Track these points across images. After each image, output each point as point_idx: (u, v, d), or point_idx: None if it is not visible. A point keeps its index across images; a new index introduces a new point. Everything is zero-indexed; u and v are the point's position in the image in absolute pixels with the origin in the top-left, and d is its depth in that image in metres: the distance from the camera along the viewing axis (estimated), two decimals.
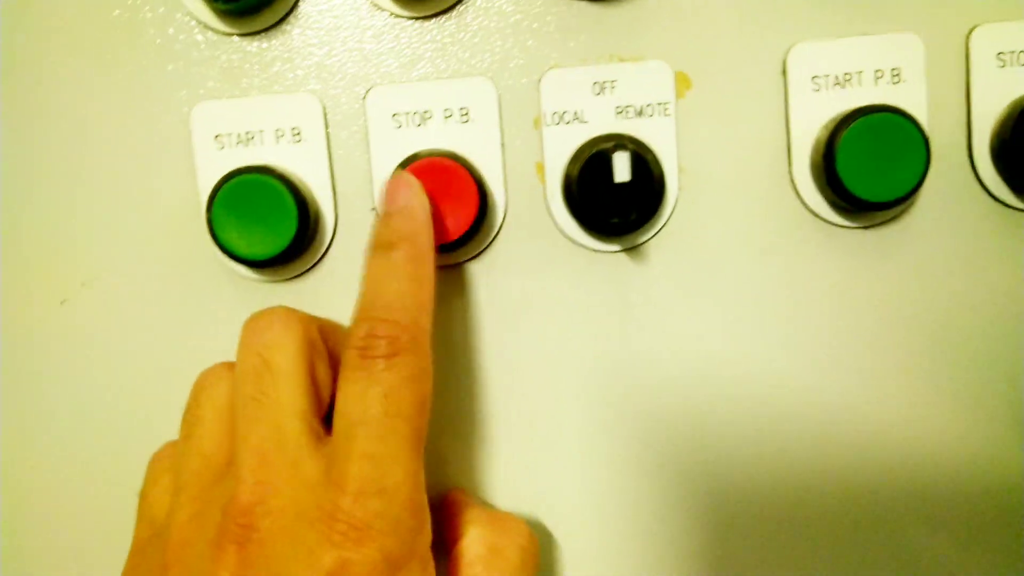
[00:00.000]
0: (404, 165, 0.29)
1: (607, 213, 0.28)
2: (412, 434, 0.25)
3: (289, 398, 0.25)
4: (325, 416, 0.26)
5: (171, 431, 0.32)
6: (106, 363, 0.32)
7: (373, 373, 0.24)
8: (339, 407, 0.25)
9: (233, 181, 0.29)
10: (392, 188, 0.28)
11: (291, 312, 0.27)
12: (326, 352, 0.27)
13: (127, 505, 0.31)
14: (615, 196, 0.28)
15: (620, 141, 0.28)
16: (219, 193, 0.29)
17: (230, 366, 0.27)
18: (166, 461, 0.28)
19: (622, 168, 0.28)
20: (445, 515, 0.29)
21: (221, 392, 0.27)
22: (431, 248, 0.27)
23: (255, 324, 0.27)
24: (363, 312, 0.26)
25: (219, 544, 0.23)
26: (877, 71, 0.30)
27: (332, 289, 0.31)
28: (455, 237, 0.29)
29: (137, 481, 0.32)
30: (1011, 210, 0.31)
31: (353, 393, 0.24)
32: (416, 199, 0.28)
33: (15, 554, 0.33)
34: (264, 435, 0.25)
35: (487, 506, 0.31)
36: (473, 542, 0.28)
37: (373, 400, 0.24)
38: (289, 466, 0.24)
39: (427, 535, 0.25)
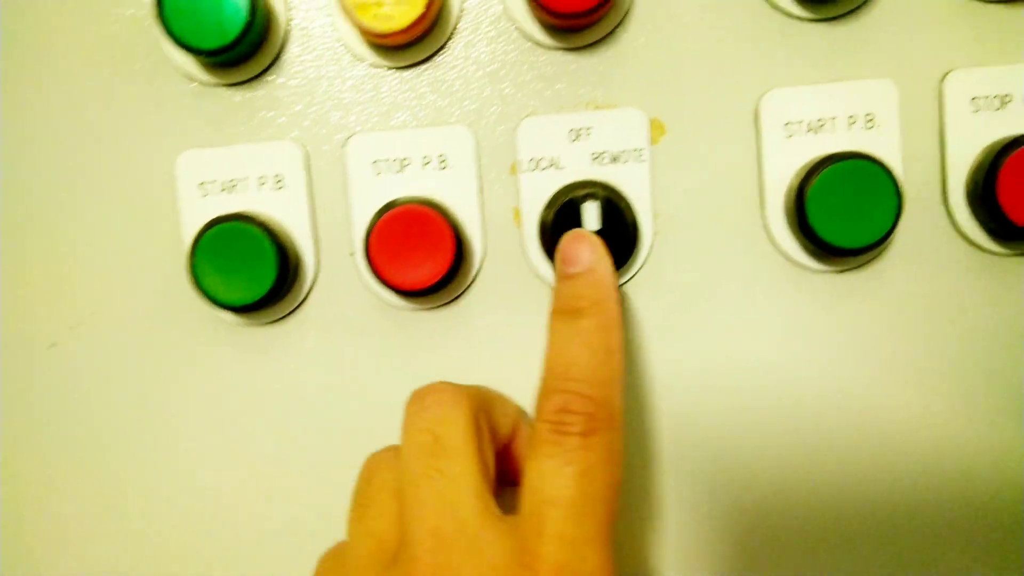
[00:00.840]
0: (382, 212, 0.30)
1: None
2: (606, 518, 0.23)
3: (464, 475, 0.24)
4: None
5: (158, 472, 0.32)
6: (95, 405, 0.33)
7: (569, 450, 0.23)
8: (529, 483, 0.23)
9: (214, 229, 0.30)
10: (572, 247, 0.27)
11: (457, 388, 0.26)
12: (488, 428, 0.26)
13: (118, 547, 0.32)
14: None
15: (592, 190, 0.29)
16: (200, 241, 0.30)
17: (399, 449, 0.26)
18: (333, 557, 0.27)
19: (592, 217, 0.28)
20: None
21: (391, 475, 0.26)
22: (620, 315, 0.26)
23: (421, 400, 0.26)
24: (554, 383, 0.25)
25: None
26: (850, 117, 0.30)
27: (313, 333, 0.32)
28: (431, 283, 0.30)
29: (128, 523, 0.33)
30: (987, 254, 0.31)
31: (547, 470, 0.23)
32: (601, 261, 0.27)
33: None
34: (440, 513, 0.23)
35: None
36: None
37: (569, 479, 0.23)
38: (469, 546, 0.23)
39: None
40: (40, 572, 0.33)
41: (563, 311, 0.26)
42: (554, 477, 0.23)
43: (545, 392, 0.25)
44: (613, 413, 0.24)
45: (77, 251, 0.32)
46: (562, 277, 0.27)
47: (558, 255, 0.28)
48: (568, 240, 0.28)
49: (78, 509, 0.33)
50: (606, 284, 0.27)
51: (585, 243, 0.27)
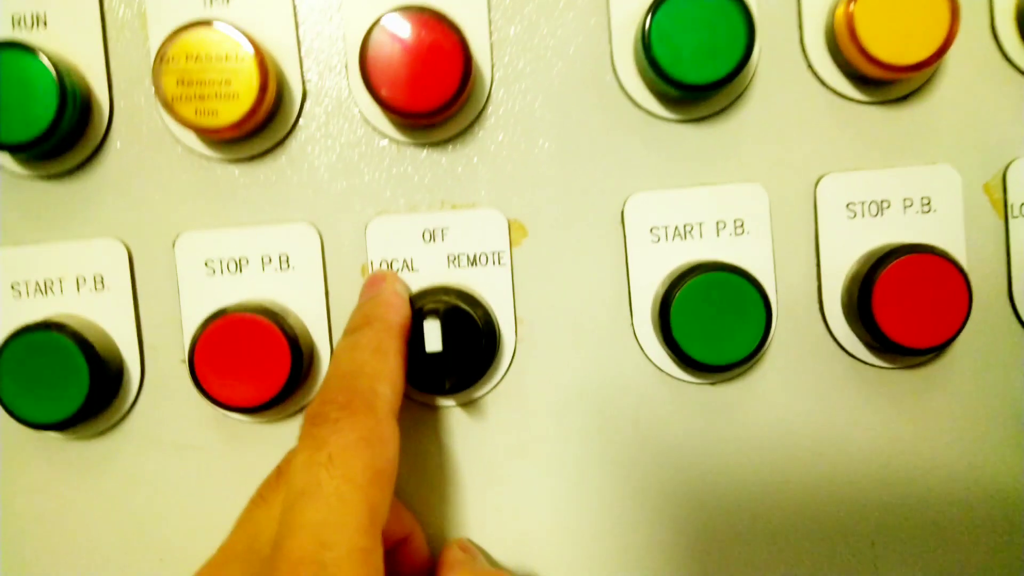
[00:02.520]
0: (208, 322, 0.27)
1: (422, 380, 0.26)
2: (362, 504, 0.22)
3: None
4: None
5: None
6: None
7: (320, 438, 0.22)
8: (287, 481, 0.22)
9: (16, 340, 0.26)
10: (366, 287, 0.28)
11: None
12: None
13: None
14: (429, 364, 0.26)
15: (435, 304, 0.26)
16: (3, 354, 0.26)
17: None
18: None
19: (433, 338, 0.26)
20: (439, 574, 0.27)
21: None
22: (402, 325, 0.26)
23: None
24: (322, 388, 0.24)
25: None
26: (720, 222, 0.29)
27: (139, 447, 0.29)
28: (265, 400, 0.27)
29: None
30: (867, 366, 0.29)
31: (300, 462, 0.22)
32: (388, 285, 0.28)
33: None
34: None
35: (485, 560, 0.29)
36: None
37: (319, 466, 0.22)
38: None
39: None
40: None
41: (345, 332, 0.26)
42: (306, 467, 0.22)
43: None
44: (374, 401, 0.23)
45: None
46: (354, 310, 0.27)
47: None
48: (373, 275, 0.29)
49: None
50: (389, 301, 0.27)
51: (374, 280, 0.28)
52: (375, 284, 0.28)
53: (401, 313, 0.27)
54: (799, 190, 0.29)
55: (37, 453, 0.29)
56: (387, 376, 0.25)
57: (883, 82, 0.28)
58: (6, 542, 0.29)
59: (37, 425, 0.27)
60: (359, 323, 0.26)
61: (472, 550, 0.29)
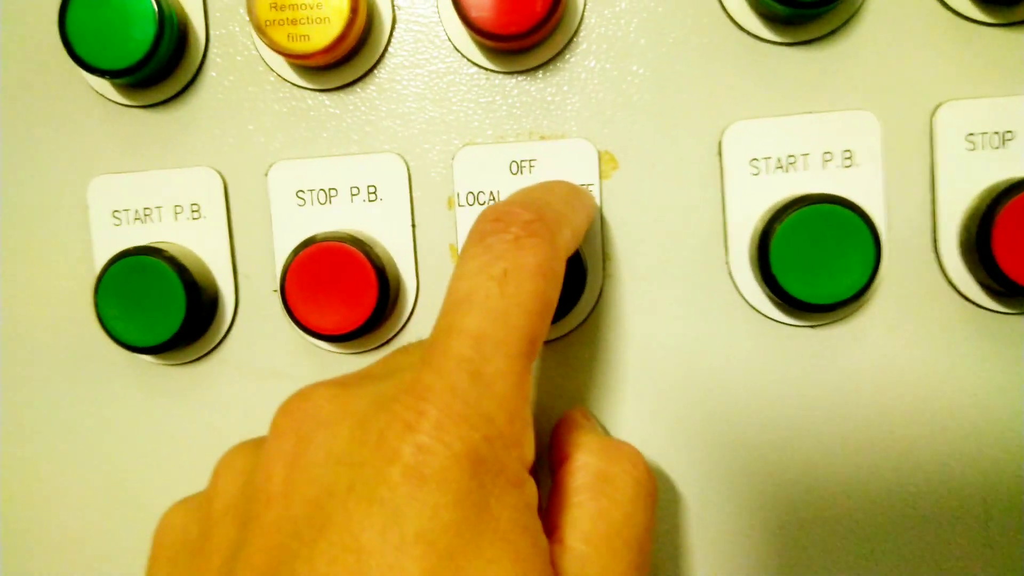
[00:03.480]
0: (299, 250, 0.27)
1: None
2: (526, 331, 0.20)
3: None
4: None
5: (72, 518, 0.30)
6: (6, 442, 0.30)
7: (497, 250, 0.21)
8: (450, 286, 0.21)
9: (117, 264, 0.27)
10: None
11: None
12: None
13: None
14: None
15: None
16: (104, 277, 0.27)
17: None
18: None
19: None
20: (557, 434, 0.25)
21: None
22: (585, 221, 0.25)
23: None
24: (497, 206, 0.22)
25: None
26: (826, 153, 0.27)
27: (232, 375, 0.29)
28: (353, 328, 0.27)
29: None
30: (982, 311, 0.27)
31: (469, 270, 0.21)
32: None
33: None
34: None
35: (603, 431, 0.28)
36: (580, 468, 0.23)
37: (491, 278, 0.20)
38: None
39: (526, 454, 0.20)
40: None
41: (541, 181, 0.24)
42: (474, 276, 0.20)
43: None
44: (557, 233, 0.22)
45: None
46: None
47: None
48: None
49: None
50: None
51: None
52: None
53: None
54: (915, 119, 0.27)
55: (132, 378, 0.30)
56: (573, 226, 0.23)
57: (1010, 1, 0.26)
58: (102, 464, 0.30)
59: (135, 348, 0.28)
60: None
61: (592, 419, 0.27)
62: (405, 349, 0.25)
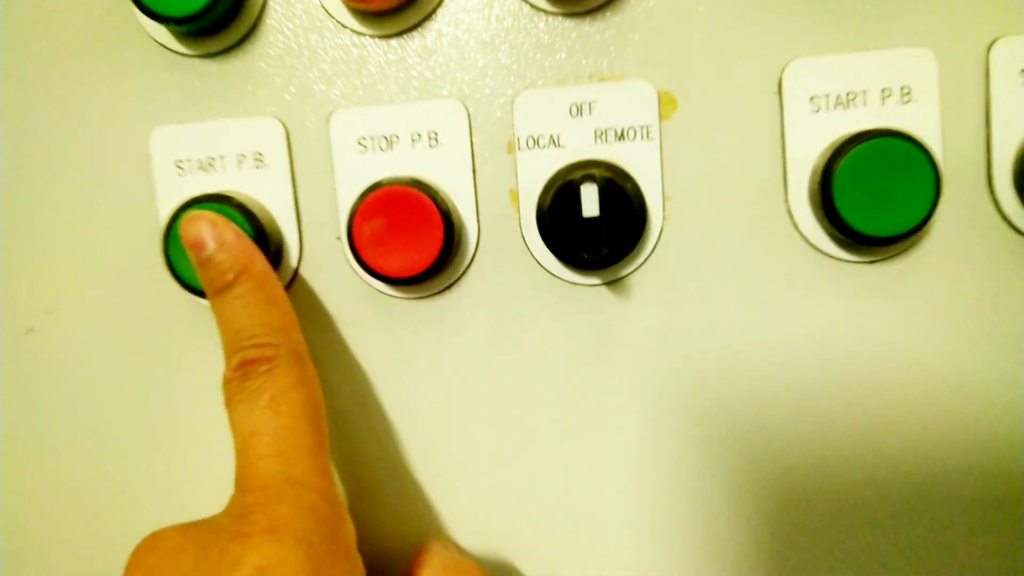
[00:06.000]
0: (365, 194, 0.27)
1: (577, 248, 0.26)
2: (312, 432, 0.24)
3: None
4: None
5: (136, 456, 0.31)
6: (73, 390, 0.31)
7: (256, 388, 0.24)
8: (234, 437, 0.24)
9: (184, 212, 0.28)
10: (190, 233, 0.26)
11: None
12: None
13: (97, 529, 0.31)
14: (585, 231, 0.26)
15: (590, 172, 0.26)
16: (173, 224, 0.28)
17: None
18: None
19: (590, 202, 0.26)
20: (412, 562, 0.28)
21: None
22: (269, 268, 0.27)
23: None
24: (230, 349, 0.25)
25: None
26: (884, 90, 0.27)
27: (299, 315, 0.30)
28: (420, 271, 0.27)
29: (104, 508, 0.31)
30: None
31: (242, 412, 0.24)
32: (224, 229, 0.27)
33: None
34: None
35: (456, 553, 0.29)
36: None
37: (263, 409, 0.24)
38: None
39: (349, 531, 0.24)
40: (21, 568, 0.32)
41: (216, 291, 0.26)
42: (249, 415, 0.24)
43: (226, 361, 0.25)
44: (291, 348, 0.25)
45: (51, 233, 0.30)
46: (199, 264, 0.27)
47: (184, 243, 0.27)
48: (184, 227, 0.27)
49: (56, 500, 0.31)
50: (240, 250, 0.26)
51: (199, 223, 0.27)
52: (203, 231, 0.27)
53: (261, 257, 0.27)
54: (971, 55, 0.27)
55: (197, 323, 0.30)
56: (292, 323, 0.26)
57: None
58: (165, 404, 0.31)
59: (202, 293, 0.28)
60: (227, 280, 0.26)
61: (451, 547, 0.30)
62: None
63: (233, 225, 0.27)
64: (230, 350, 0.25)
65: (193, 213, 0.27)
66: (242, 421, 0.24)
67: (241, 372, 0.24)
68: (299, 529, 0.22)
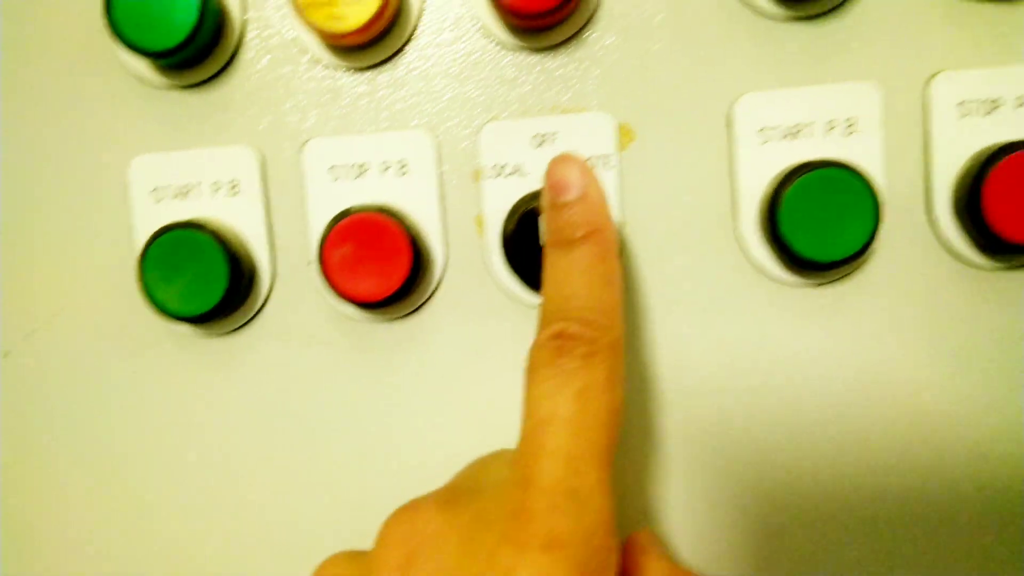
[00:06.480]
0: (335, 221, 0.28)
1: (538, 272, 0.27)
2: (606, 440, 0.22)
3: None
4: None
5: (111, 484, 0.32)
6: (50, 415, 0.32)
7: (568, 371, 0.22)
8: (527, 408, 0.22)
9: (162, 238, 0.29)
10: (561, 171, 0.25)
11: None
12: None
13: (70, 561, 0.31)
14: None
15: None
16: (148, 250, 0.29)
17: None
18: None
19: None
20: (625, 559, 0.26)
21: None
22: (616, 242, 0.25)
23: None
24: (553, 315, 0.23)
25: None
26: (829, 122, 0.29)
27: (270, 344, 0.31)
28: (387, 295, 0.28)
29: (80, 534, 0.32)
30: (974, 268, 0.29)
31: (545, 391, 0.22)
32: (592, 184, 0.25)
33: None
34: None
35: (669, 558, 0.29)
36: None
37: (567, 398, 0.22)
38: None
39: (617, 560, 0.22)
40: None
41: (558, 242, 0.24)
42: (552, 396, 0.22)
43: (544, 324, 0.23)
44: (614, 340, 0.23)
45: (30, 257, 0.31)
46: (553, 207, 0.25)
47: (546, 181, 0.26)
48: (556, 164, 0.25)
49: (29, 518, 0.32)
50: (600, 209, 0.25)
51: (574, 165, 0.25)
52: (574, 171, 0.25)
53: (613, 226, 0.25)
54: (913, 88, 0.29)
55: (171, 350, 0.31)
56: (621, 311, 0.24)
57: None
58: (142, 432, 0.32)
59: (178, 317, 0.29)
60: (575, 236, 0.24)
61: (659, 543, 0.28)
62: (484, 462, 0.26)
63: (600, 184, 0.25)
64: (551, 315, 0.23)
65: (567, 154, 0.25)
66: (542, 401, 0.22)
67: (556, 344, 0.22)
68: (575, 555, 0.20)
